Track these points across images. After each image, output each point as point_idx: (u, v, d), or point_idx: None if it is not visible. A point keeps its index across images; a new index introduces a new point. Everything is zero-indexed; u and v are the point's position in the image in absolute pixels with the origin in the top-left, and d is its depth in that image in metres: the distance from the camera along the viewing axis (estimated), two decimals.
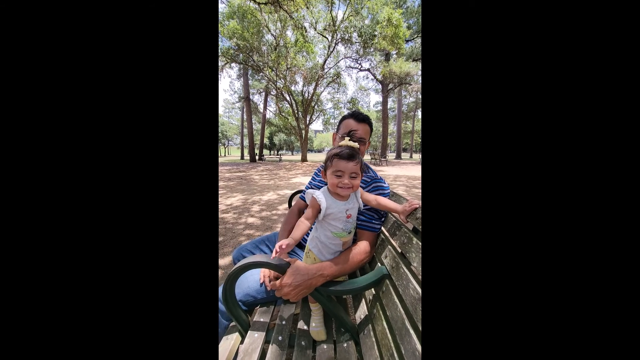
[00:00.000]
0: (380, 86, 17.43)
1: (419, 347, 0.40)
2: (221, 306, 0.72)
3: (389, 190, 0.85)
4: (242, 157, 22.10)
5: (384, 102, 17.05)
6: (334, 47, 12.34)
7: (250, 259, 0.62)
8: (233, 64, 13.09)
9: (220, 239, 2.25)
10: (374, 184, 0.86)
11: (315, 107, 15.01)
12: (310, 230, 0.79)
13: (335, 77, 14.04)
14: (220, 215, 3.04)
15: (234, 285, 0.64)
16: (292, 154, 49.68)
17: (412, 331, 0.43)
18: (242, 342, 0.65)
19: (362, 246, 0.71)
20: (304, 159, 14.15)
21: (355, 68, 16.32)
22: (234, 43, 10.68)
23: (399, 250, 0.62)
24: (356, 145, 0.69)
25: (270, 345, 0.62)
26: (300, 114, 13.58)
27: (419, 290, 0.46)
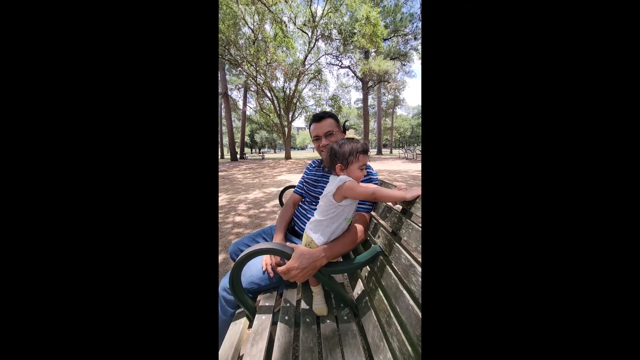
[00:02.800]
0: (360, 83, 17.79)
1: (412, 303, 0.48)
2: (227, 295, 0.75)
3: (375, 176, 0.94)
4: (222, 155, 21.13)
5: (365, 99, 17.47)
6: (315, 44, 12.28)
7: (257, 246, 0.66)
8: None
9: None
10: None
11: (298, 103, 14.87)
12: (305, 220, 0.82)
13: (316, 74, 14.01)
14: None
15: (239, 273, 0.68)
16: (275, 152, 48.65)
17: (405, 292, 0.51)
18: (250, 326, 0.69)
19: (359, 226, 0.78)
20: (287, 157, 14.00)
21: (336, 65, 16.44)
22: None
23: (390, 230, 0.71)
24: (358, 137, 0.75)
25: (278, 324, 0.67)
26: (282, 110, 13.36)
27: (410, 258, 0.54)
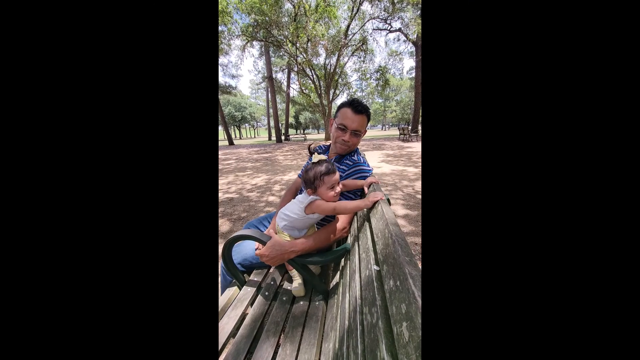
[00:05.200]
0: (414, 48, 15.19)
1: (347, 305, 0.49)
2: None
3: (369, 174, 0.89)
4: (270, 137, 22.87)
5: (418, 68, 14.99)
6: (359, 7, 10.97)
7: (241, 231, 0.77)
8: (254, 42, 12.89)
9: (244, 214, 2.59)
10: (356, 168, 0.90)
11: (339, 80, 14.15)
12: (282, 213, 0.87)
13: (360, 44, 12.72)
14: (246, 194, 3.41)
15: (230, 251, 0.82)
16: (318, 132, 49.12)
17: (347, 294, 0.52)
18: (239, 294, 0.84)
19: (337, 224, 0.79)
20: (327, 138, 13.98)
21: (384, 30, 14.36)
22: (252, 19, 10.39)
23: (357, 232, 0.69)
24: (324, 157, 0.75)
25: (258, 297, 0.79)
26: (322, 89, 13.06)
27: (357, 263, 0.53)
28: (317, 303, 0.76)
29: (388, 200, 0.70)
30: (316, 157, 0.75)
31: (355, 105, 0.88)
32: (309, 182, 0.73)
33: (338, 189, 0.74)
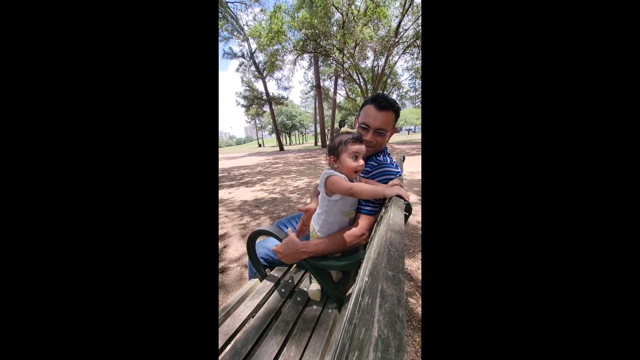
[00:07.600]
0: None
1: (346, 319, 0.44)
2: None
3: (395, 176, 0.79)
4: (316, 143, 23.83)
5: None
6: (412, 1, 10.23)
7: (262, 227, 0.82)
8: (305, 55, 13.83)
9: (283, 213, 2.76)
10: (380, 169, 0.82)
11: (388, 81, 13.46)
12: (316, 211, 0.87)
13: (414, 40, 11.77)
14: (287, 195, 3.63)
15: (253, 245, 0.88)
16: None
17: (350, 305, 0.47)
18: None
19: (354, 229, 0.73)
20: None
21: None
22: (303, 34, 11.20)
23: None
24: (353, 131, 0.72)
25: (274, 292, 0.81)
26: (369, 93, 12.70)
27: (362, 272, 0.47)
28: (330, 311, 0.71)
29: (409, 206, 0.60)
30: (345, 129, 0.74)
31: (379, 101, 0.80)
32: (333, 148, 0.71)
33: (361, 162, 0.69)
